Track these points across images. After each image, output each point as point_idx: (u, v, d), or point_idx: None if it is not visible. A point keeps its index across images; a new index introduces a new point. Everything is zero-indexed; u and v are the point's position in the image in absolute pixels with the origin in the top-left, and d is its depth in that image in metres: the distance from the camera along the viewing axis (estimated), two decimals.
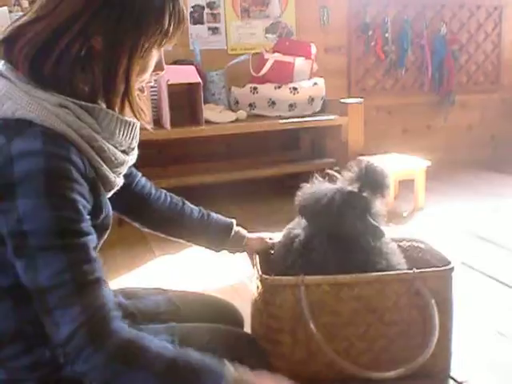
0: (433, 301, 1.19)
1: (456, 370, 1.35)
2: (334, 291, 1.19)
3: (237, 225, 1.32)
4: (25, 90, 0.83)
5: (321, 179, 1.28)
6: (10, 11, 2.78)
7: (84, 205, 0.83)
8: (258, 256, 1.29)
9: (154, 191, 1.24)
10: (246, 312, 1.35)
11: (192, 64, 2.98)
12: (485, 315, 1.74)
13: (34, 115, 0.81)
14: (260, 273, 1.22)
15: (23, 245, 0.79)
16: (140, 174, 1.23)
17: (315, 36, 3.50)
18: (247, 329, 1.33)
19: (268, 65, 3.10)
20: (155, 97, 2.87)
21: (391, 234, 1.34)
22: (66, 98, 0.84)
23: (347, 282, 1.19)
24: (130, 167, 1.07)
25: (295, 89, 3.05)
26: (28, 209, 0.78)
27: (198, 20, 3.29)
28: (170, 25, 0.88)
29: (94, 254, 0.83)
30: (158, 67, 0.96)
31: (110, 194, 0.97)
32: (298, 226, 1.30)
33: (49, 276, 0.78)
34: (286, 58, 3.11)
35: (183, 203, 1.27)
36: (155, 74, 0.98)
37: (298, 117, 3.08)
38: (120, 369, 0.81)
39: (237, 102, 3.15)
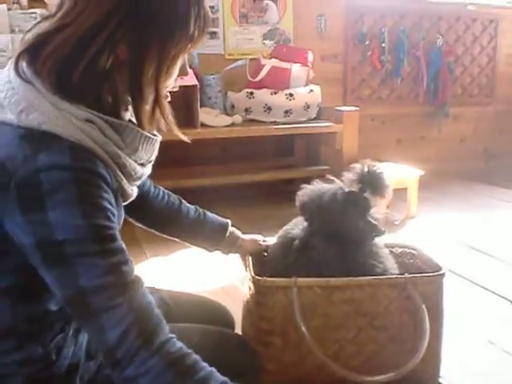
0: (423, 306, 1.20)
1: (445, 376, 1.36)
2: (326, 294, 1.19)
3: (231, 226, 1.32)
4: (52, 102, 0.80)
5: (320, 182, 1.29)
6: (9, 9, 2.78)
7: (113, 213, 0.83)
8: (250, 257, 1.29)
9: (152, 189, 1.24)
10: (236, 314, 1.35)
11: (189, 67, 2.98)
12: (474, 323, 1.75)
13: (61, 130, 0.79)
14: (253, 274, 1.22)
15: (58, 253, 0.77)
16: None
17: (312, 43, 3.52)
18: (238, 331, 1.33)
19: (265, 70, 3.12)
20: None
21: (383, 240, 1.34)
22: (92, 111, 0.82)
23: (339, 285, 1.19)
24: None
25: (291, 95, 3.07)
26: (61, 219, 0.76)
27: None
28: (195, 30, 0.86)
29: (128, 256, 0.83)
30: (182, 72, 0.94)
31: (125, 204, 0.97)
32: (295, 226, 1.30)
33: (91, 280, 0.76)
34: (282, 64, 3.13)
35: (180, 202, 1.27)
36: (180, 79, 0.96)
37: (294, 123, 3.09)
38: (172, 379, 0.78)
39: (233, 107, 3.16)
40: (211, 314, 1.30)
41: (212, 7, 3.31)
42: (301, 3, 3.51)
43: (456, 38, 4.04)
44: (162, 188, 1.27)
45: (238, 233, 1.33)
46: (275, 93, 3.07)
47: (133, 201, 1.01)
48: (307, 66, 3.20)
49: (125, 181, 0.90)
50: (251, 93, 3.09)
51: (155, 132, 0.97)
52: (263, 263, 1.33)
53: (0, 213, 0.79)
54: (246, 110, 3.11)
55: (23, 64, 0.82)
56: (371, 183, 1.23)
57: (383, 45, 3.76)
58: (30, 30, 0.84)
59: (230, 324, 1.33)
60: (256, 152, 3.41)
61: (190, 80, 2.79)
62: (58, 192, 0.76)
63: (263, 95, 3.07)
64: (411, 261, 1.43)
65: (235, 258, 1.36)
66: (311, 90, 3.17)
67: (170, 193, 1.28)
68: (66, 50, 0.80)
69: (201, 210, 1.29)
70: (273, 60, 3.17)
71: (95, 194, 0.79)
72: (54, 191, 0.76)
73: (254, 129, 3.03)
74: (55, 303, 0.89)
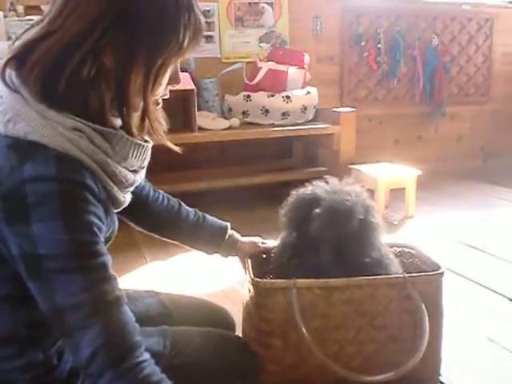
0: (423, 305, 1.20)
1: (446, 374, 1.36)
2: (325, 294, 1.19)
3: (231, 229, 1.33)
4: (38, 111, 0.79)
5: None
6: (5, 16, 2.78)
7: (99, 226, 0.81)
8: (250, 260, 1.30)
9: (152, 193, 1.24)
10: (236, 317, 1.35)
11: (186, 71, 2.99)
12: (474, 321, 1.76)
13: (47, 139, 0.78)
14: (252, 276, 1.22)
15: (38, 267, 0.77)
16: None
17: (308, 46, 3.53)
18: (238, 333, 1.33)
19: (261, 73, 3.12)
20: None
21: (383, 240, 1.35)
22: (80, 120, 0.81)
23: (338, 286, 1.19)
24: None
25: (288, 97, 3.07)
26: (43, 232, 0.75)
27: None
28: (185, 38, 0.83)
29: (111, 272, 0.81)
30: (174, 80, 0.91)
31: (117, 211, 0.96)
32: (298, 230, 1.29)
33: (66, 297, 0.76)
34: (279, 66, 3.13)
35: (180, 205, 1.28)
36: (171, 87, 0.92)
37: (291, 125, 3.09)
38: None
39: (230, 110, 3.16)
40: (211, 317, 1.30)
41: (208, 11, 3.32)
42: (296, 6, 3.52)
43: (451, 37, 4.05)
44: (161, 191, 1.28)
45: (237, 235, 1.34)
46: (272, 95, 3.08)
47: (132, 205, 1.01)
48: (304, 68, 3.21)
49: (116, 188, 0.89)
50: (248, 96, 3.09)
51: (147, 138, 0.96)
52: (265, 263, 1.34)
53: None
54: (244, 113, 3.12)
55: (12, 72, 0.81)
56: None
57: (379, 46, 3.77)
58: (19, 37, 0.83)
59: (231, 326, 1.33)
60: (254, 155, 3.41)
61: (187, 84, 2.80)
62: (43, 204, 0.75)
63: (260, 98, 3.08)
64: (410, 260, 1.43)
65: (234, 261, 1.37)
66: (308, 92, 3.18)
67: (170, 196, 1.29)
68: (51, 58, 0.79)
69: (200, 213, 1.30)
70: (269, 63, 3.17)
71: (80, 208, 0.78)
72: (39, 203, 0.75)
73: (251, 132, 3.03)
74: None
